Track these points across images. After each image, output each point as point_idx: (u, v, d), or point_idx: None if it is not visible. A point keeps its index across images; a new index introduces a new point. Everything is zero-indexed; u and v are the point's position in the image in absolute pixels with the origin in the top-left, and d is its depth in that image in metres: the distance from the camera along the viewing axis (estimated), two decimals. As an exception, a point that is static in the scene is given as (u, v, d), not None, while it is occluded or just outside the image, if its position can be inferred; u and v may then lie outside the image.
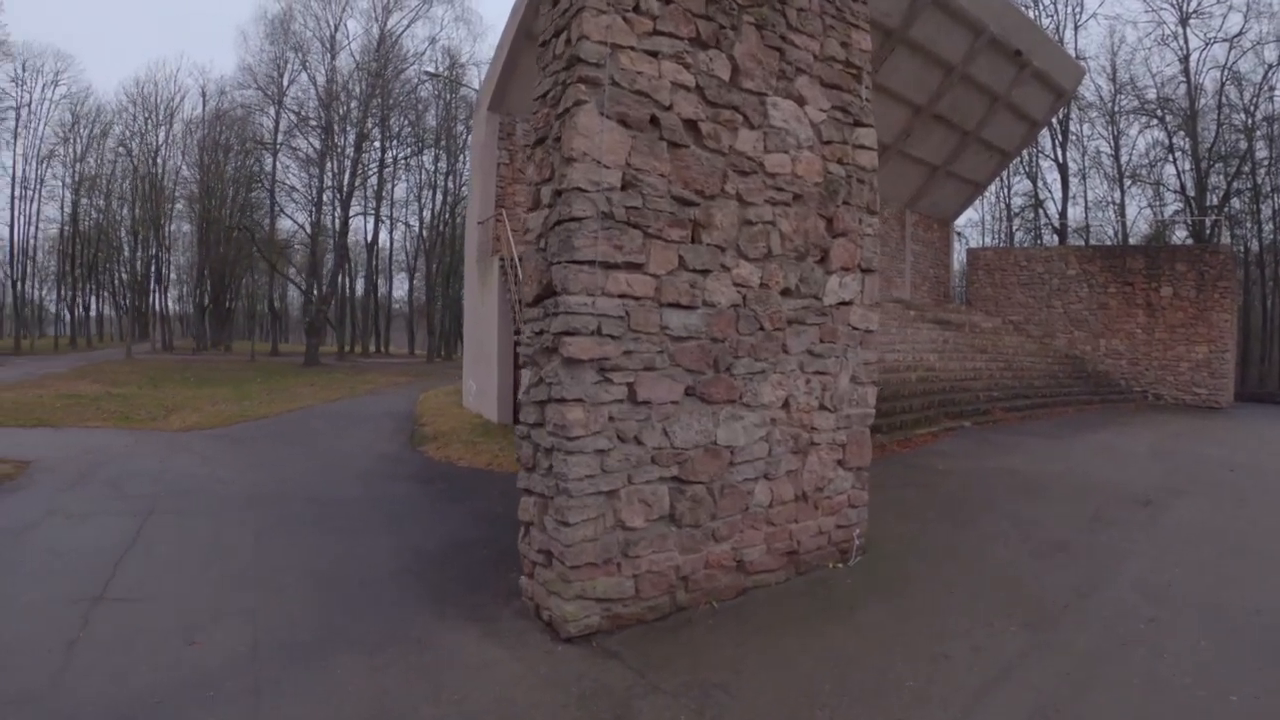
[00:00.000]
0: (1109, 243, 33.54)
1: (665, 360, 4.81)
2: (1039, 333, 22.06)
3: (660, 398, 4.77)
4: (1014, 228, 38.56)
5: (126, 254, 45.90)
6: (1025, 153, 36.32)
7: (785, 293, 5.42)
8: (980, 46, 17.77)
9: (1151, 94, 33.80)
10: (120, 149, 43.57)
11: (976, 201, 41.89)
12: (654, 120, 4.72)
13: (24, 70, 40.26)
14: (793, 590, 5.41)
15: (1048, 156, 35.92)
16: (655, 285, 4.73)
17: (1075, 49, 33.53)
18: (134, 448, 11.28)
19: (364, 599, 5.20)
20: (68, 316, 48.36)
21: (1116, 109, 34.74)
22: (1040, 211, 37.17)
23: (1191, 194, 32.86)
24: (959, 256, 26.67)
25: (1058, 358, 21.10)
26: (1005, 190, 39.37)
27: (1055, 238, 34.72)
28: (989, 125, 20.48)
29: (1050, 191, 37.13)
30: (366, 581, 5.54)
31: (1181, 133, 32.91)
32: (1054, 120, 33.60)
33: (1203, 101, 32.37)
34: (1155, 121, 33.86)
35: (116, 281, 48.67)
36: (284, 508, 7.72)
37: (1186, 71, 32.16)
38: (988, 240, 41.18)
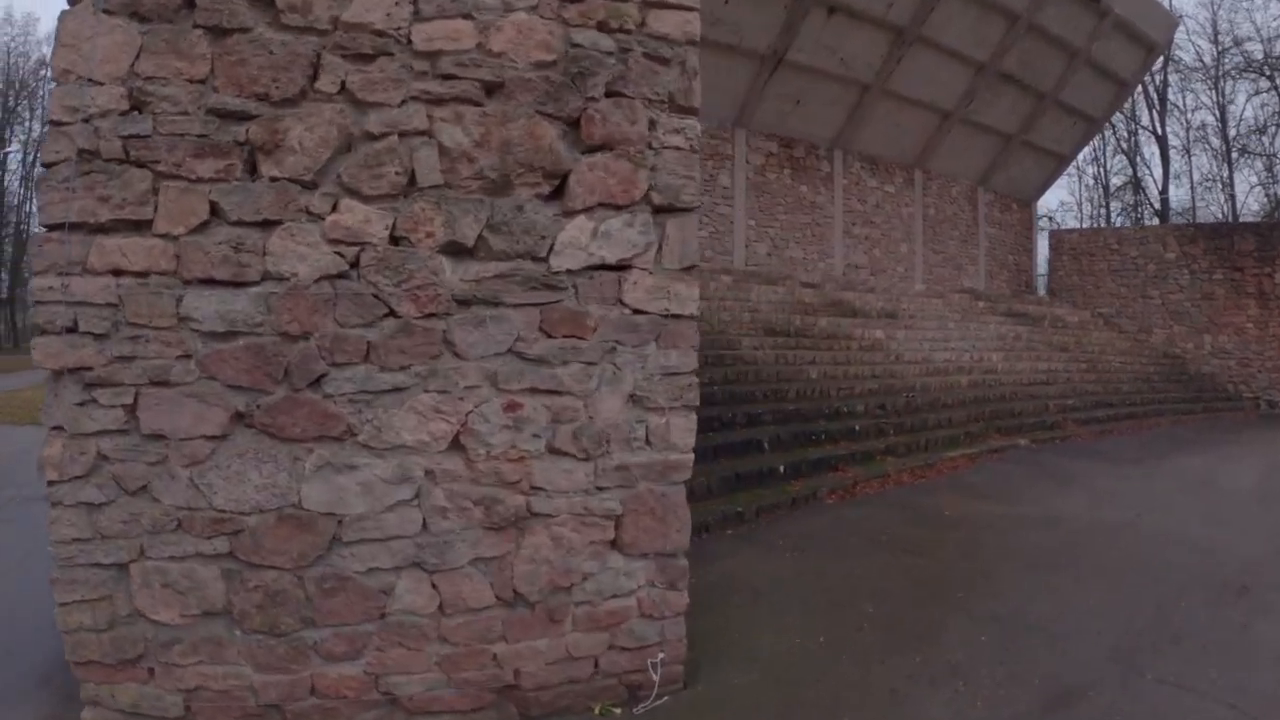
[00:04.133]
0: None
1: (190, 370, 2.61)
2: (1133, 327, 17.38)
3: (183, 429, 2.63)
4: (1112, 211, 32.31)
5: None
6: (1123, 128, 30.47)
7: (454, 251, 2.82)
8: (1049, -10, 13.88)
9: (1259, 52, 27.09)
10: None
11: (1072, 184, 35.92)
12: (191, 2, 2.60)
13: None
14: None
15: (1145, 129, 29.75)
16: (173, 252, 2.62)
17: (1170, 5, 27.47)
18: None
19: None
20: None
21: (1220, 72, 28.16)
22: (1140, 192, 30.88)
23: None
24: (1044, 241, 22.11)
25: (1153, 357, 16.51)
26: (1102, 170, 33.16)
27: (1156, 221, 28.66)
28: (1069, 86, 16.18)
29: (1149, 169, 30.82)
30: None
31: (1294, 96, 26.21)
32: (1150, 88, 27.81)
33: (1318, 58, 25.63)
34: (1265, 83, 27.10)
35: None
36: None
37: (1295, 24, 25.56)
38: (1085, 227, 35.00)
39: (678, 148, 3.04)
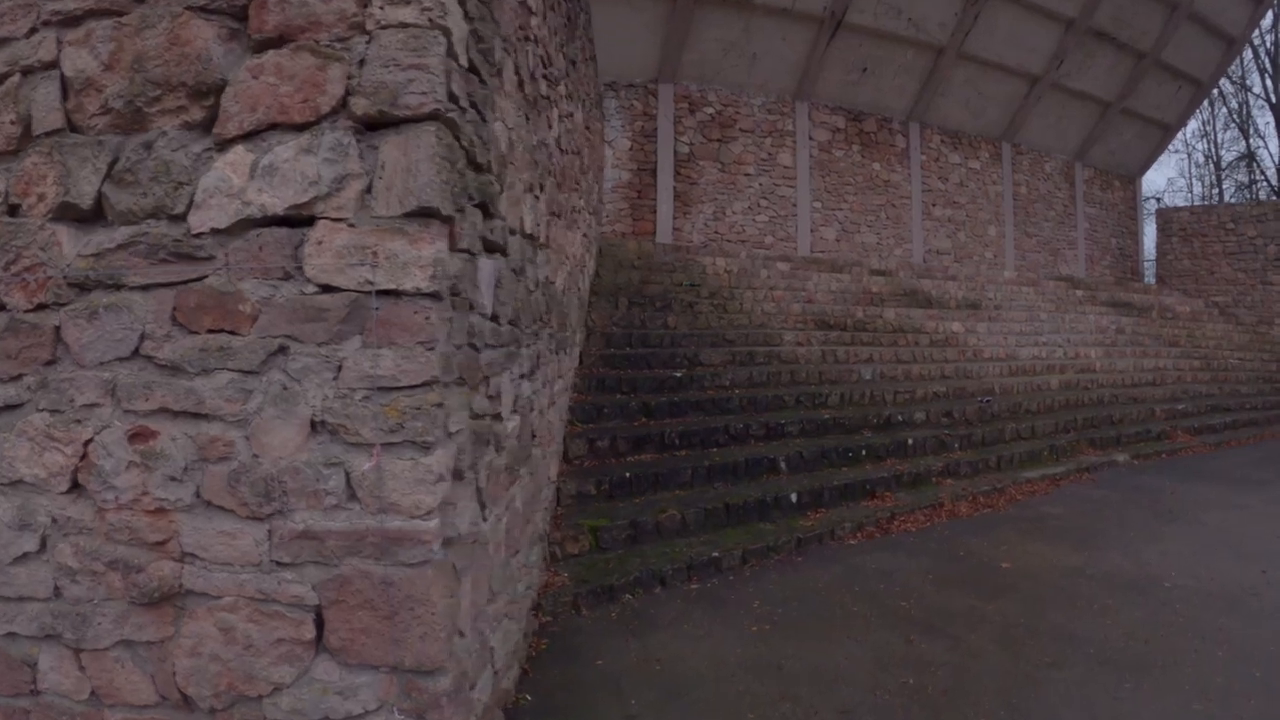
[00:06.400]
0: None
1: None
2: (1251, 318, 14.46)
3: None
4: (1225, 191, 27.19)
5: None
6: (1234, 99, 25.70)
7: (74, 216, 1.97)
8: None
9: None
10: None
11: (1180, 162, 30.83)
12: None
13: None
14: None
15: (1258, 96, 24.83)
16: None
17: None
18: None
19: None
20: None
21: (1338, 20, 22.94)
22: (1254, 167, 25.79)
23: None
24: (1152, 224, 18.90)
25: (1275, 353, 13.70)
26: (1212, 145, 28.01)
27: (1275, 199, 23.88)
28: (1171, 44, 13.52)
29: (1264, 141, 25.92)
30: None
31: None
32: (1261, 51, 23.22)
33: None
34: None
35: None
36: None
37: None
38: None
39: (404, 24, 1.87)
